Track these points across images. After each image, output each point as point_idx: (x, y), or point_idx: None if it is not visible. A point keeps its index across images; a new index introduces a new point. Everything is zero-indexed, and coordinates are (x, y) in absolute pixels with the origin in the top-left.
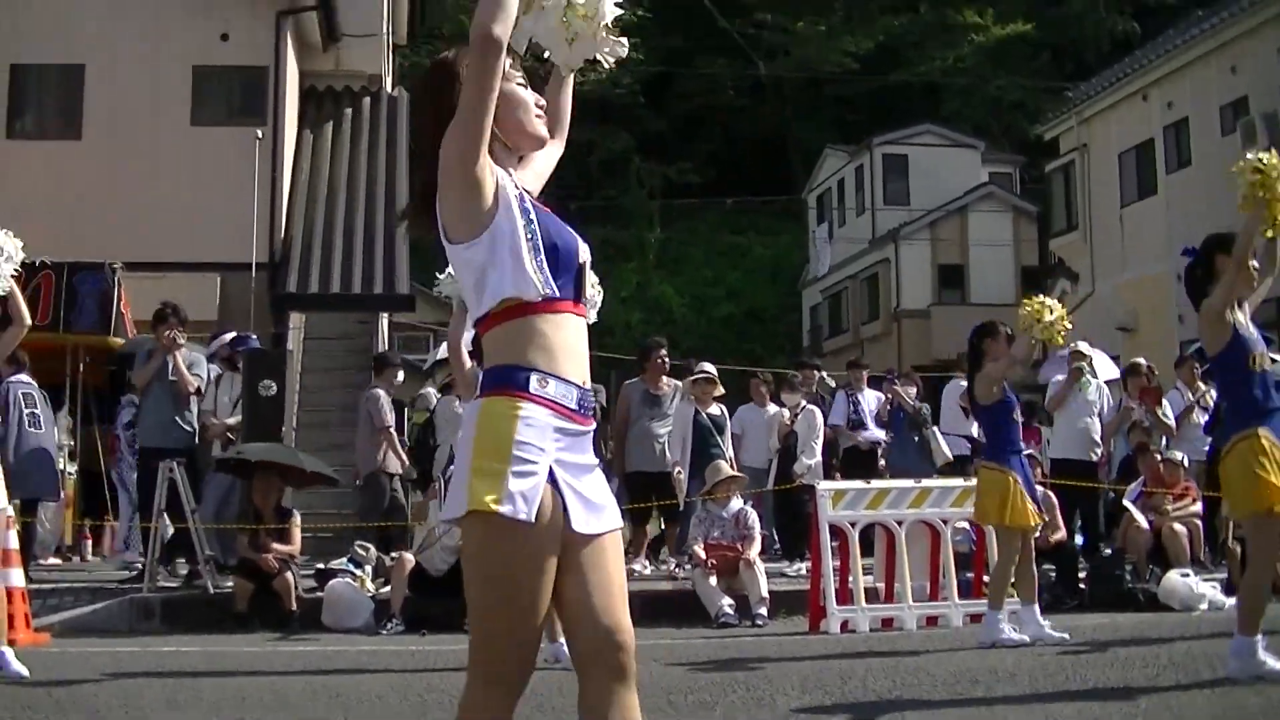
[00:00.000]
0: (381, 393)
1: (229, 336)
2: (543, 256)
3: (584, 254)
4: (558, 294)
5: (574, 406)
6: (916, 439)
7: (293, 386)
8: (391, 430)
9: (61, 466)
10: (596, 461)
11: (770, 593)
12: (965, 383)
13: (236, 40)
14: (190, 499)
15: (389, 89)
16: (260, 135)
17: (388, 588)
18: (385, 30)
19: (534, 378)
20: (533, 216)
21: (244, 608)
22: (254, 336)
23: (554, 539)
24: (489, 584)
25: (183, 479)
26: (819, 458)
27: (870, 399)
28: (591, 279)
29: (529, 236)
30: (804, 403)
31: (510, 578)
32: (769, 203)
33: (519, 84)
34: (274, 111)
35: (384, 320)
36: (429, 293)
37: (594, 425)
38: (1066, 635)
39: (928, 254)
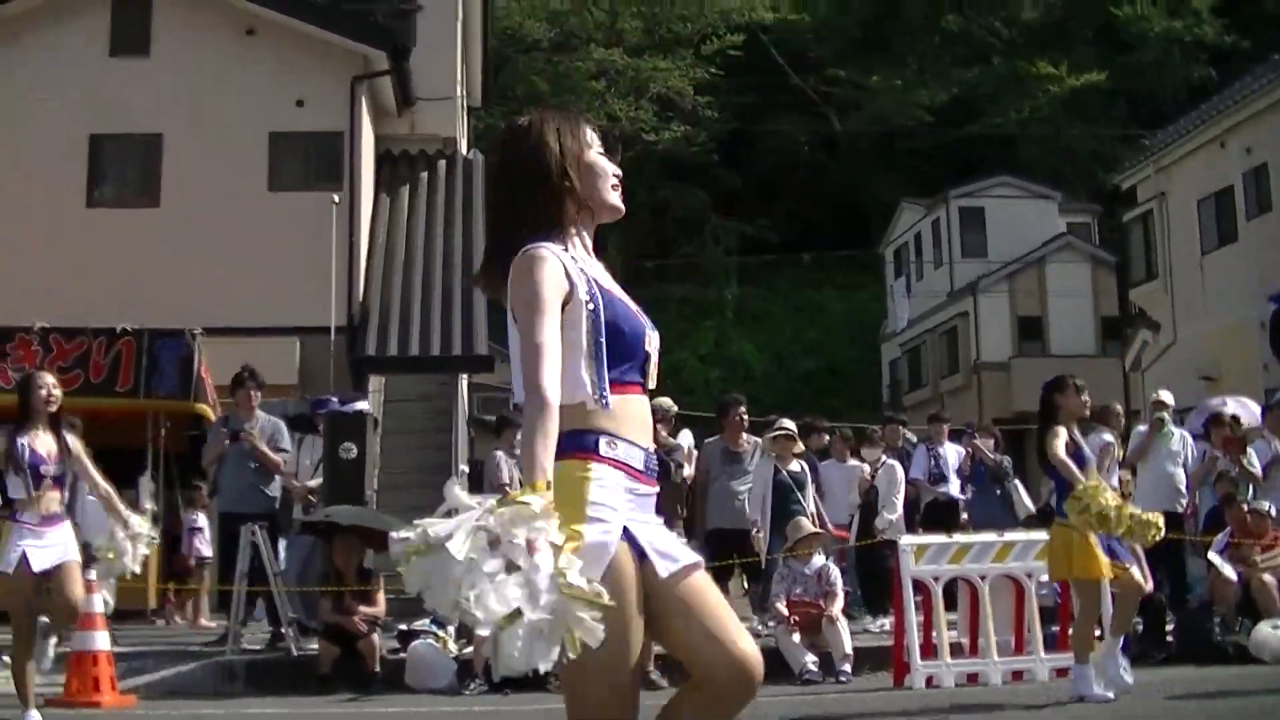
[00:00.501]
0: (502, 454)
1: (334, 400)
2: (604, 360)
3: (651, 343)
4: (608, 396)
5: (641, 468)
6: (999, 492)
7: (373, 449)
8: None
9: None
10: (660, 520)
11: (853, 649)
12: (1108, 436)
13: (312, 106)
14: (273, 562)
15: (464, 151)
16: (337, 199)
17: (470, 648)
18: (459, 93)
19: (603, 440)
20: (600, 314)
21: (328, 670)
22: (332, 400)
23: (635, 591)
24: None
25: (265, 542)
26: (900, 512)
27: (950, 453)
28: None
29: (592, 342)
30: (884, 457)
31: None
32: (846, 258)
33: (599, 153)
34: (350, 176)
35: (463, 382)
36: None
37: (658, 487)
38: (1130, 681)
39: (1006, 306)
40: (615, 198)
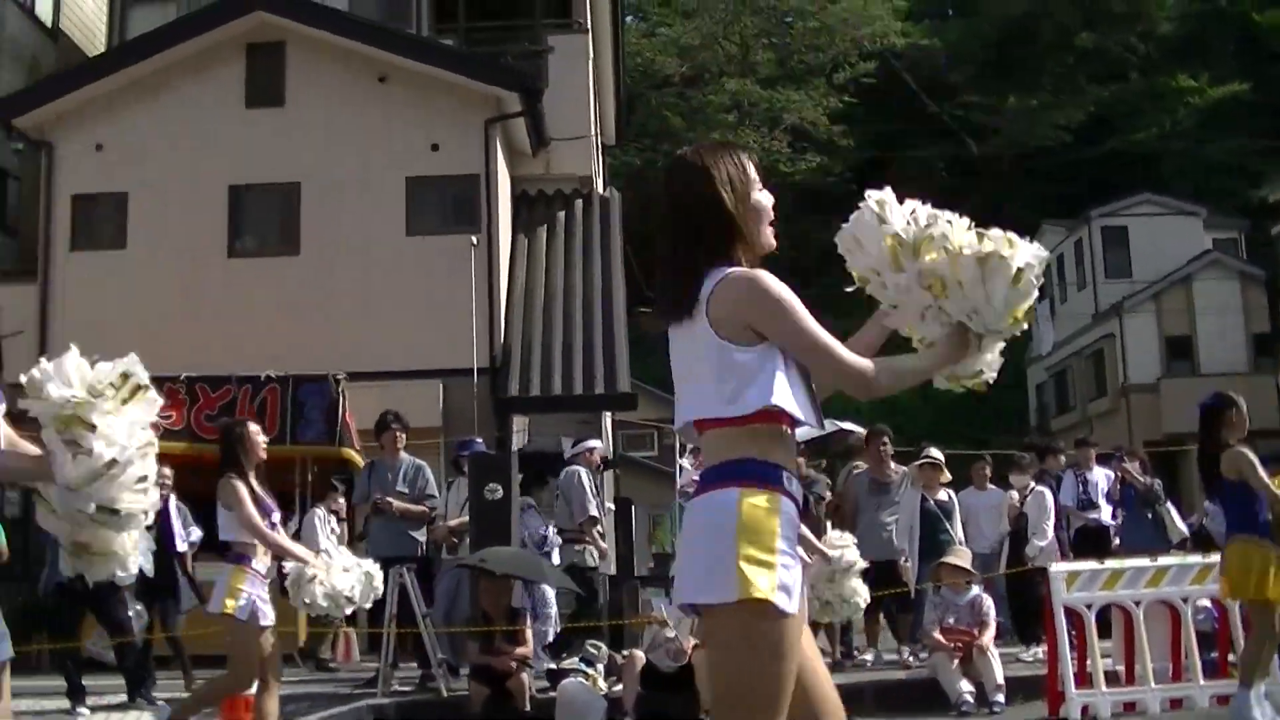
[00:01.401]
0: (583, 470)
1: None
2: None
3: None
4: (810, 421)
5: (798, 497)
6: (1149, 516)
7: (518, 489)
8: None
9: None
10: None
11: (1006, 678)
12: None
13: (447, 150)
14: (421, 604)
15: (600, 189)
16: (475, 241)
17: (620, 685)
18: (593, 132)
19: (785, 474)
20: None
21: (479, 710)
22: (475, 441)
23: (798, 640)
24: (749, 670)
25: (413, 585)
26: (1050, 539)
27: (1100, 477)
28: None
29: (795, 370)
30: (1033, 484)
31: (772, 666)
32: None
33: (759, 190)
34: (487, 218)
35: (607, 419)
36: (650, 390)
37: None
38: None
39: (1154, 326)
40: (769, 237)
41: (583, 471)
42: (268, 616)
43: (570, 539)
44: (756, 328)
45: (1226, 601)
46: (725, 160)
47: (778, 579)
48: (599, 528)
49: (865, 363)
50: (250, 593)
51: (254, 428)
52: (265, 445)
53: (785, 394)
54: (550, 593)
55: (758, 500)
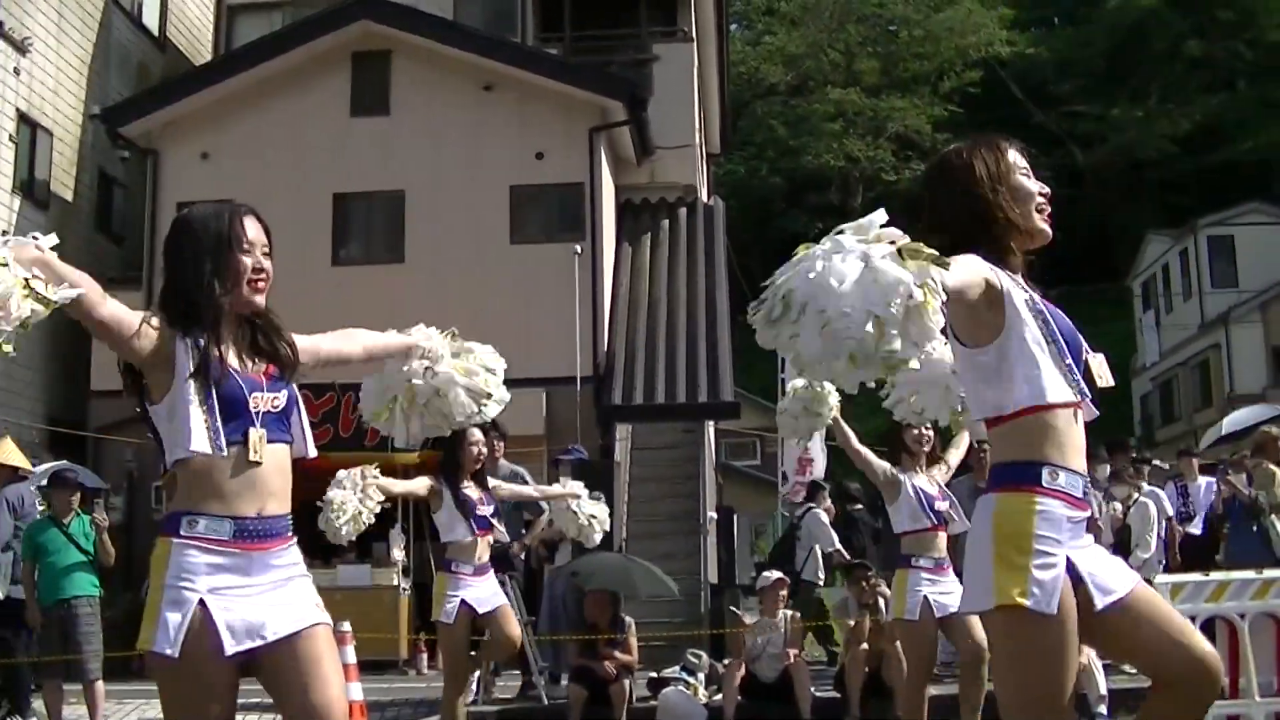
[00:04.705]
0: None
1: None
2: (1057, 360)
3: (1087, 351)
4: (1072, 398)
5: (1080, 495)
6: (1255, 528)
7: (621, 497)
8: None
9: (395, 582)
10: (1092, 540)
11: (1109, 690)
12: None
13: (552, 159)
14: (523, 611)
15: (704, 198)
16: (579, 250)
17: (720, 695)
18: (698, 140)
19: (1045, 471)
20: (1049, 319)
21: (578, 716)
22: (576, 448)
23: (1074, 629)
24: (1022, 676)
25: (514, 591)
26: (1154, 550)
27: (1203, 488)
28: (1101, 370)
29: (1048, 342)
30: (1136, 495)
31: (1041, 668)
32: (1096, 291)
33: (1023, 174)
34: (591, 226)
35: (710, 428)
36: (753, 399)
37: (1089, 511)
38: None
39: (1260, 336)
40: (1039, 221)
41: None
42: (481, 606)
43: None
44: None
45: None
46: (979, 152)
47: (1030, 581)
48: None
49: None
50: (455, 595)
51: (476, 434)
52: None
53: (1026, 389)
54: None
55: (1016, 503)
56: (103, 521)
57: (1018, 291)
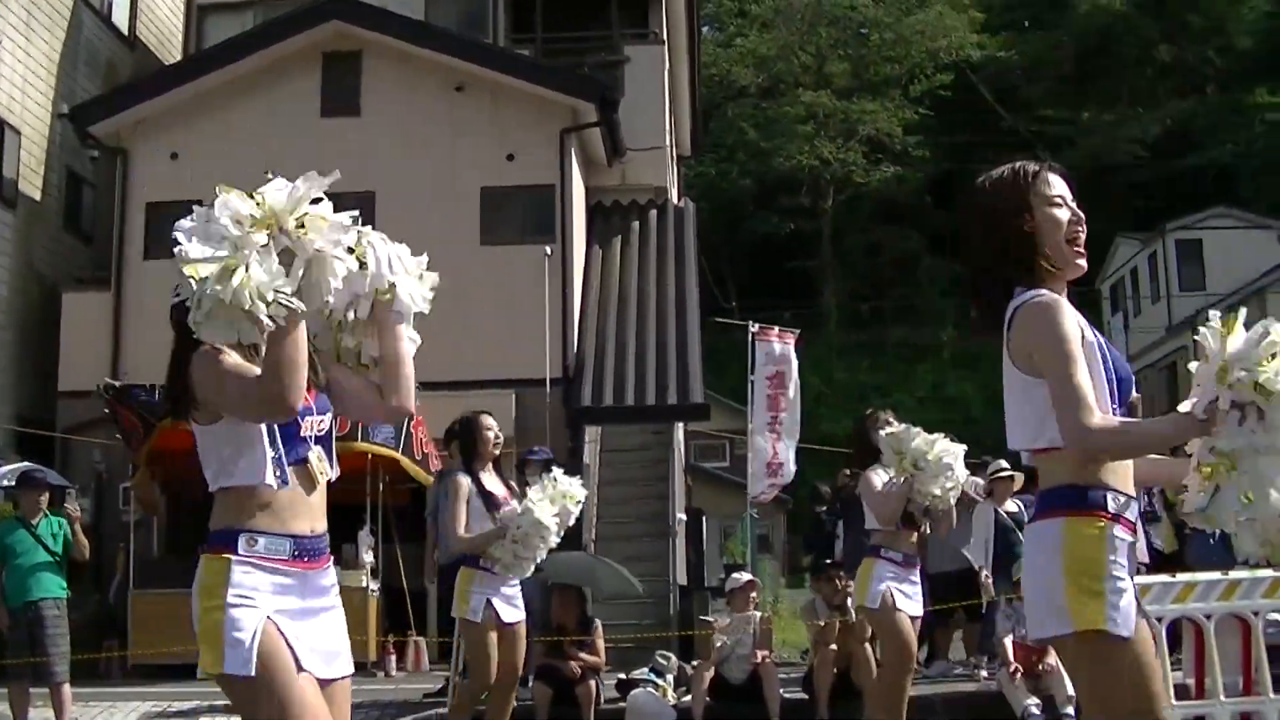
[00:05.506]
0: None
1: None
2: (1115, 397)
3: (1133, 389)
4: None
5: (1133, 520)
6: (1216, 533)
7: (591, 499)
8: None
9: (364, 584)
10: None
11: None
12: None
13: (522, 160)
14: None
15: (675, 200)
16: (549, 252)
17: (689, 696)
18: (669, 142)
19: (1110, 497)
20: (1109, 359)
21: (544, 716)
22: (542, 449)
23: (1150, 642)
24: (1111, 696)
25: None
26: None
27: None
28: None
29: (1106, 382)
30: None
31: (1129, 687)
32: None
33: (1054, 205)
34: (562, 228)
35: (679, 430)
36: (723, 401)
37: (1139, 536)
38: None
39: None
40: (1068, 253)
41: None
42: (508, 616)
43: None
44: (1036, 358)
45: None
46: (1008, 180)
47: (1108, 606)
48: None
49: (1102, 423)
50: (482, 592)
51: (489, 421)
52: (501, 441)
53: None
54: None
55: (1084, 529)
56: (75, 514)
57: (1089, 333)
